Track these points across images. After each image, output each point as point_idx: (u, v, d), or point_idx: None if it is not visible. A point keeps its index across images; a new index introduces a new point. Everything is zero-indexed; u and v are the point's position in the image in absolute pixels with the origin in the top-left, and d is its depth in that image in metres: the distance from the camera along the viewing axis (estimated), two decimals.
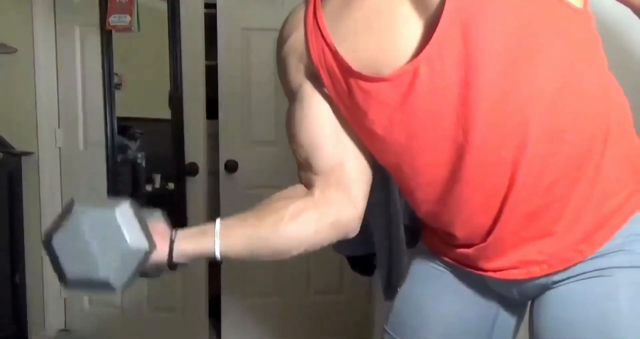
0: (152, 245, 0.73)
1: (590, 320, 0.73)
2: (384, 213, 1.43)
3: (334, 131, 0.82)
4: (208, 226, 0.79)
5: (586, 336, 0.73)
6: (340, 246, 1.46)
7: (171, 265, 0.77)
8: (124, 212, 0.72)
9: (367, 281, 2.09)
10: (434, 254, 0.91)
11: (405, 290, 0.95)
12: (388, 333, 0.94)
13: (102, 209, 0.72)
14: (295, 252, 0.82)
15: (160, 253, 0.75)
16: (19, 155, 2.54)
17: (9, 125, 2.56)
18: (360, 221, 0.85)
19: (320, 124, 0.82)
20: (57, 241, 0.71)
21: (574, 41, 0.70)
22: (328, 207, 0.82)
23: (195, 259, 0.79)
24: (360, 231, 1.38)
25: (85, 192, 2.66)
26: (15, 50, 2.52)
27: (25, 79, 2.58)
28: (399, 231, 1.44)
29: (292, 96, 0.85)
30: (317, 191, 0.82)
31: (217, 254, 0.77)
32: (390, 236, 1.46)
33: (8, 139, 2.52)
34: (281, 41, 0.86)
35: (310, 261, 2.51)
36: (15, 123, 2.59)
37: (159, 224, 0.79)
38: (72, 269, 0.71)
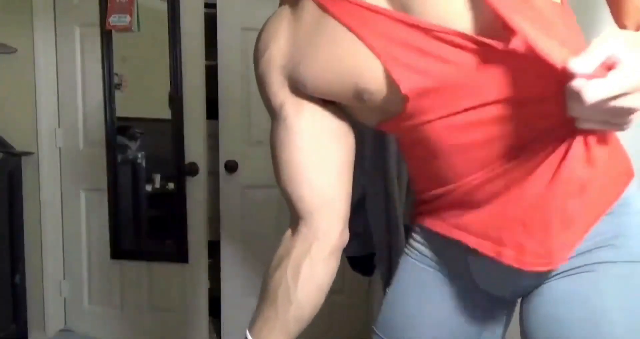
0: None
1: (578, 316, 0.73)
2: (384, 213, 1.43)
3: (316, 155, 0.81)
4: None
5: (575, 332, 0.73)
6: None
7: None
8: None
9: (367, 281, 2.09)
10: (429, 229, 0.88)
11: (393, 290, 0.94)
12: (377, 334, 0.93)
13: None
14: (323, 298, 0.83)
15: None
16: (19, 155, 2.55)
17: (9, 125, 2.56)
18: (347, 228, 0.85)
19: (303, 151, 0.81)
20: None
21: (558, 35, 0.69)
22: (318, 243, 0.81)
23: None
24: (360, 232, 1.38)
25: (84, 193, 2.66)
26: (15, 50, 2.52)
27: (25, 79, 2.58)
28: (399, 231, 1.44)
29: (274, 114, 0.83)
30: (302, 229, 0.82)
31: None
32: (390, 236, 1.46)
33: (8, 139, 2.53)
34: (258, 56, 0.84)
35: None
36: (15, 123, 2.59)
37: None
38: None
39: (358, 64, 0.72)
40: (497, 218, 0.75)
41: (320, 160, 0.82)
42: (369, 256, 1.59)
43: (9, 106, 2.60)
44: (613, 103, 0.56)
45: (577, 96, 0.57)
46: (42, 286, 2.67)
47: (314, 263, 0.81)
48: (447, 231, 0.84)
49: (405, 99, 0.71)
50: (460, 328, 0.88)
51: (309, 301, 0.80)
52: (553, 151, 0.69)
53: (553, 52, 0.62)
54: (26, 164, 2.58)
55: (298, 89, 0.79)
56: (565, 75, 0.56)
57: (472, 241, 0.79)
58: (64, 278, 2.75)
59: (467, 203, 0.78)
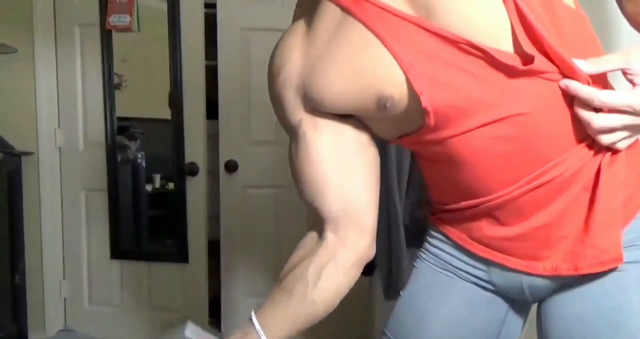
0: None
1: (602, 315, 0.73)
2: (384, 213, 1.43)
3: (341, 170, 0.79)
4: (248, 328, 0.78)
5: (599, 331, 0.72)
6: None
7: None
8: None
9: (367, 281, 2.09)
10: (449, 237, 0.87)
11: (409, 293, 0.93)
12: (387, 336, 0.92)
13: None
14: (337, 303, 0.81)
15: None
16: (19, 155, 2.55)
17: (9, 125, 2.56)
18: (375, 242, 0.84)
19: (327, 165, 0.79)
20: None
21: (580, 42, 0.70)
22: (344, 250, 0.80)
23: None
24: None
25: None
26: (15, 50, 2.52)
27: (25, 79, 2.59)
28: (399, 231, 1.44)
29: (292, 133, 0.82)
30: (329, 234, 0.80)
31: None
32: (390, 236, 1.46)
33: (8, 139, 2.53)
34: (273, 76, 0.82)
35: None
36: (15, 123, 2.59)
37: (200, 337, 0.78)
38: None
39: (381, 70, 0.70)
40: (535, 231, 0.75)
41: (344, 173, 0.80)
42: None
43: (9, 106, 2.60)
44: (618, 121, 0.64)
45: (587, 123, 0.66)
46: (42, 286, 2.67)
47: (337, 269, 0.79)
48: (470, 246, 0.84)
49: (425, 112, 0.69)
50: (475, 332, 0.88)
51: (324, 303, 0.79)
52: (590, 161, 0.71)
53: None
54: (26, 164, 2.58)
55: (314, 107, 0.78)
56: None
57: (504, 261, 0.79)
58: (64, 278, 2.75)
59: (495, 219, 0.78)
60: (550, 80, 0.67)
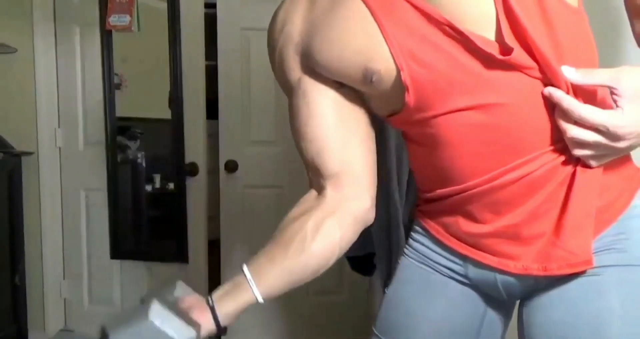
0: (197, 328, 0.71)
1: (582, 320, 0.73)
2: (383, 213, 1.43)
3: (341, 123, 0.81)
4: (238, 278, 0.78)
5: (578, 336, 0.72)
6: None
7: (222, 330, 0.75)
8: (158, 314, 0.70)
9: (367, 281, 2.09)
10: (430, 233, 0.89)
11: (393, 291, 0.94)
12: (376, 335, 0.93)
13: (136, 324, 0.70)
14: (331, 263, 0.81)
15: (207, 325, 0.73)
16: (19, 155, 2.55)
17: (9, 125, 2.56)
18: (374, 209, 0.85)
19: (327, 119, 0.80)
20: None
21: (572, 40, 0.70)
22: (343, 207, 0.81)
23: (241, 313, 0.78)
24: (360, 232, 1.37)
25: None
26: (15, 50, 2.52)
27: (25, 79, 2.59)
28: (399, 231, 1.44)
29: (291, 90, 0.83)
30: (329, 191, 0.81)
31: (261, 301, 0.77)
32: (390, 236, 1.46)
33: (8, 139, 2.53)
34: (275, 33, 0.84)
35: None
36: (15, 123, 2.59)
37: (189, 296, 0.77)
38: None
39: (371, 44, 0.72)
40: (508, 229, 0.76)
41: (344, 135, 0.81)
42: (369, 256, 1.59)
43: (9, 106, 2.60)
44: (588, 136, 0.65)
45: (563, 131, 0.67)
46: (42, 286, 2.67)
47: (337, 223, 0.80)
48: (447, 240, 0.85)
49: (405, 87, 0.71)
50: (459, 329, 0.88)
51: (321, 255, 0.79)
52: (566, 162, 0.71)
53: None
54: (26, 164, 2.58)
55: (313, 68, 0.79)
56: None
57: (480, 257, 0.80)
58: (64, 278, 2.75)
59: (471, 215, 0.79)
60: (531, 76, 0.68)
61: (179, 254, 2.55)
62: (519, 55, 0.66)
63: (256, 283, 0.76)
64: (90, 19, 2.51)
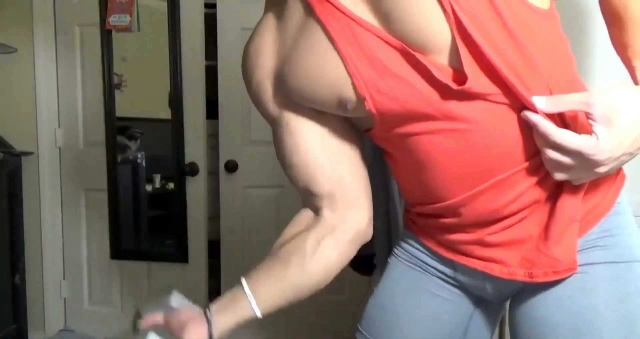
0: None
1: (566, 318, 0.73)
2: (384, 214, 1.43)
3: (327, 148, 0.81)
4: (237, 291, 0.78)
5: (563, 334, 0.73)
6: None
7: None
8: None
9: (367, 281, 2.09)
10: (419, 239, 0.89)
11: (381, 290, 0.95)
12: (361, 333, 0.93)
13: None
14: (329, 280, 0.81)
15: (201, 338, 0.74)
16: (19, 155, 2.55)
17: (9, 125, 2.57)
18: (372, 224, 0.85)
19: (313, 147, 0.81)
20: None
21: (542, 44, 0.69)
22: (342, 226, 0.81)
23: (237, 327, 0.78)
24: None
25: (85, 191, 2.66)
26: (15, 50, 2.52)
27: (25, 79, 2.58)
28: (399, 231, 1.44)
29: (273, 121, 0.84)
30: (326, 212, 0.82)
31: (259, 316, 0.77)
32: (390, 236, 1.46)
33: (8, 139, 2.53)
34: (250, 69, 0.84)
35: None
36: (15, 123, 2.59)
37: (185, 307, 0.77)
38: None
39: (340, 74, 0.71)
40: (491, 237, 0.76)
41: (332, 156, 0.81)
42: (369, 256, 1.59)
43: (9, 106, 2.60)
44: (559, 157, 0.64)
45: (541, 151, 0.66)
46: (42, 286, 2.67)
47: (335, 243, 0.80)
48: (435, 246, 0.85)
49: (371, 114, 0.72)
50: (446, 329, 0.89)
51: (320, 273, 0.80)
52: (544, 177, 0.71)
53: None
54: (26, 164, 2.58)
55: (291, 99, 0.79)
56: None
57: (465, 261, 0.81)
58: (64, 278, 2.75)
59: (452, 225, 0.79)
60: (494, 102, 0.66)
61: (179, 254, 2.56)
62: (478, 83, 0.64)
63: (256, 301, 0.76)
64: (90, 19, 2.51)
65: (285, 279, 0.78)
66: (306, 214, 0.85)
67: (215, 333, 0.74)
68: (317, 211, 0.83)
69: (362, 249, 1.61)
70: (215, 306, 0.77)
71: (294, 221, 0.85)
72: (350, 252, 0.83)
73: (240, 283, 0.78)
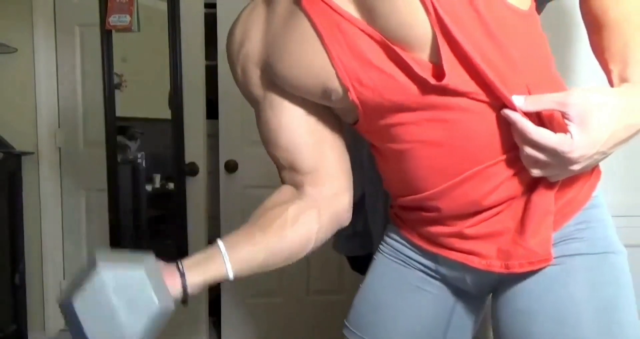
0: (173, 301, 0.70)
1: (546, 308, 0.74)
2: (382, 213, 1.43)
3: (311, 130, 0.83)
4: (212, 250, 0.77)
5: (543, 325, 0.74)
6: (340, 246, 1.46)
7: (185, 301, 0.74)
8: (151, 271, 0.67)
9: None
10: (402, 233, 0.91)
11: (366, 286, 0.96)
12: (348, 328, 0.96)
13: (128, 268, 0.67)
14: (304, 254, 0.83)
15: (174, 291, 0.72)
16: (19, 155, 2.55)
17: (9, 125, 2.57)
18: (351, 212, 0.87)
19: (298, 128, 0.83)
20: (80, 304, 0.64)
21: (522, 44, 0.70)
22: (323, 202, 0.83)
23: (206, 286, 0.77)
24: (360, 231, 1.39)
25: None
26: (15, 50, 2.52)
27: (25, 79, 2.59)
28: None
29: (257, 103, 0.86)
30: (308, 189, 0.84)
31: (231, 277, 0.76)
32: None
33: (8, 139, 2.53)
34: (234, 49, 0.85)
35: (310, 261, 2.51)
36: (15, 123, 2.59)
37: (157, 261, 0.75)
38: (95, 334, 0.64)
39: (324, 64, 0.73)
40: (469, 230, 0.78)
41: (314, 138, 0.84)
42: (369, 256, 1.59)
43: (9, 106, 2.60)
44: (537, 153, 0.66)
45: (519, 147, 0.68)
46: (42, 286, 2.67)
47: (315, 217, 0.82)
48: (416, 239, 0.88)
49: (354, 104, 0.74)
50: (429, 322, 0.90)
51: (298, 242, 0.81)
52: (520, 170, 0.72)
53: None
54: (26, 164, 2.58)
55: (276, 83, 0.81)
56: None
57: (446, 253, 0.83)
58: (64, 278, 2.75)
59: (432, 217, 0.81)
60: (475, 99, 0.68)
61: (179, 254, 2.53)
62: (457, 80, 0.67)
63: (230, 260, 0.75)
64: (90, 19, 2.51)
65: (262, 244, 0.78)
66: (288, 189, 0.87)
67: (188, 287, 0.73)
68: (298, 186, 0.85)
69: (362, 249, 1.61)
70: (187, 262, 0.76)
71: (275, 193, 0.87)
72: (329, 231, 0.85)
73: (216, 243, 0.78)
